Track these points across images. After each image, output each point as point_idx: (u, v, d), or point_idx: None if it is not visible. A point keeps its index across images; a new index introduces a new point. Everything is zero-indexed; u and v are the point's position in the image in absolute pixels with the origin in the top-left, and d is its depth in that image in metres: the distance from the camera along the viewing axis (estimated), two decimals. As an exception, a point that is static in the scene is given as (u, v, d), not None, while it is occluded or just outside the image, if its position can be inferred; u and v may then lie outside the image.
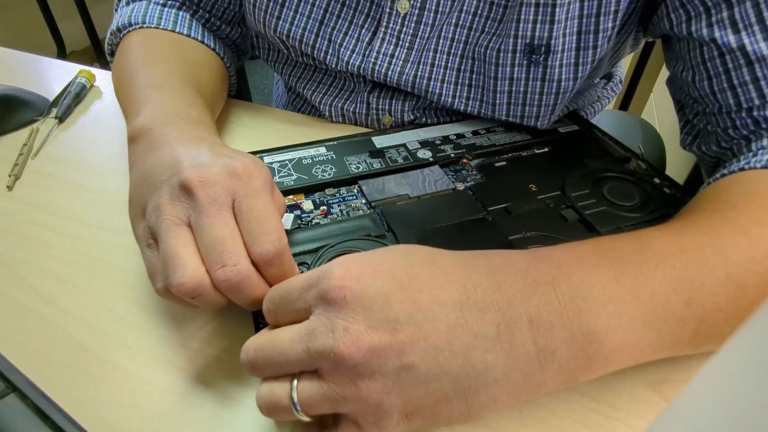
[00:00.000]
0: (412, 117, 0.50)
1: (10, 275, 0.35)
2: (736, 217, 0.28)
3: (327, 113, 0.52)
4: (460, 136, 0.47)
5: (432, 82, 0.46)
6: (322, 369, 0.22)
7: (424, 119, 0.51)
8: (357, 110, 0.51)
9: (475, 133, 0.47)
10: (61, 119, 0.52)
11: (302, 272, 0.33)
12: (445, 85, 0.46)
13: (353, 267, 0.23)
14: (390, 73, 0.46)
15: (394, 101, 0.50)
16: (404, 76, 0.46)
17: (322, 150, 0.45)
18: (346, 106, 0.51)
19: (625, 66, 0.82)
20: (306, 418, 0.23)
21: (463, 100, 0.46)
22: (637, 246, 0.26)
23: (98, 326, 0.32)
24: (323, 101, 0.52)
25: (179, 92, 0.40)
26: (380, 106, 0.50)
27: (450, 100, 0.46)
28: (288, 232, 0.36)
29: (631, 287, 0.24)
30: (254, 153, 0.45)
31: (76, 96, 0.55)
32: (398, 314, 0.22)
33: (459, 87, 0.46)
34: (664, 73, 1.18)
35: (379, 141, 0.46)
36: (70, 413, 0.27)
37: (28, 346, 0.31)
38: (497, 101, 0.45)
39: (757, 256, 0.26)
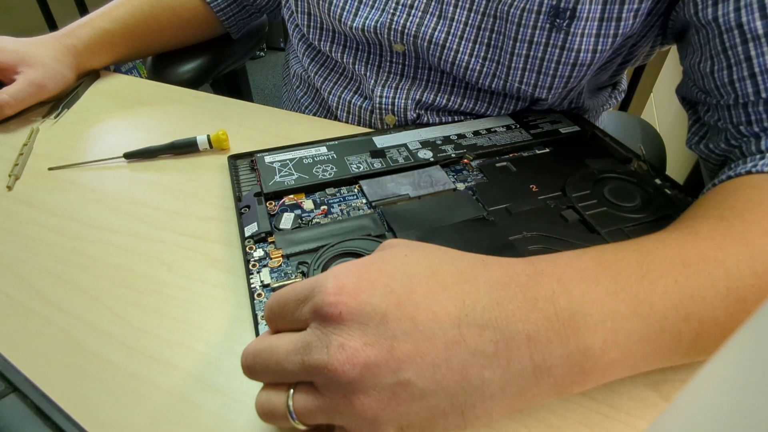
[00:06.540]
0: (414, 116, 0.51)
1: (10, 275, 0.35)
2: (741, 227, 0.28)
3: (334, 105, 0.53)
4: (461, 136, 0.47)
5: (450, 37, 0.46)
6: (317, 383, 0.22)
7: (425, 118, 0.51)
8: (363, 105, 0.52)
9: (476, 133, 0.47)
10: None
11: (302, 272, 0.33)
12: (463, 41, 0.46)
13: (348, 281, 0.22)
14: (409, 24, 0.46)
15: (398, 91, 0.50)
16: (423, 28, 0.46)
17: (323, 150, 0.45)
18: (353, 101, 0.52)
19: (625, 66, 0.81)
20: (302, 427, 0.23)
21: (480, 60, 0.46)
22: (639, 258, 0.26)
23: (98, 326, 0.32)
24: (332, 91, 0.53)
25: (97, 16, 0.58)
26: (384, 100, 0.50)
27: (467, 58, 0.46)
28: (288, 232, 0.37)
29: (631, 302, 0.24)
30: (254, 153, 0.45)
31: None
32: (395, 331, 0.21)
33: (477, 45, 0.46)
34: (664, 74, 1.18)
35: (380, 141, 0.46)
36: (70, 413, 0.27)
37: (28, 346, 0.31)
38: (513, 64, 0.45)
39: (759, 269, 0.26)
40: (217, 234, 0.39)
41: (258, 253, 0.35)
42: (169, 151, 0.47)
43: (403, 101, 0.50)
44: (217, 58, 0.73)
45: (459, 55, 0.46)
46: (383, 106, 0.51)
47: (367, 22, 0.47)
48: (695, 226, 0.29)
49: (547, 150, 0.46)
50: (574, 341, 0.23)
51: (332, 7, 0.48)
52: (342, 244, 0.35)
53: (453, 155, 0.44)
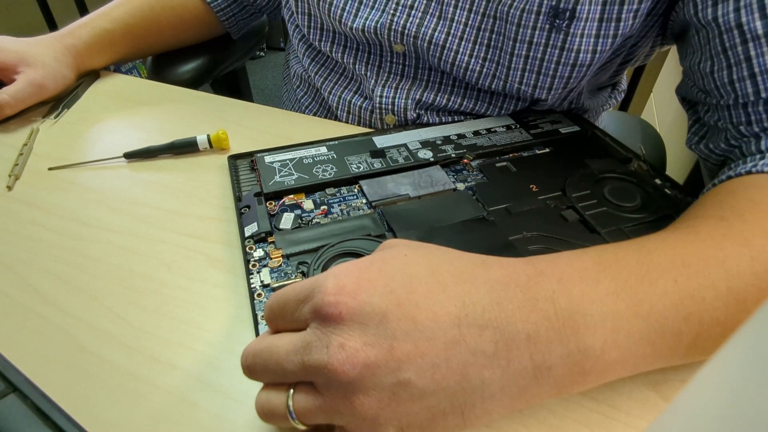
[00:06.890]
0: (414, 116, 0.51)
1: (10, 275, 0.35)
2: (741, 228, 0.28)
3: (334, 105, 0.53)
4: (461, 136, 0.47)
5: (450, 38, 0.46)
6: (317, 383, 0.22)
7: (425, 118, 0.51)
8: (363, 105, 0.52)
9: (476, 133, 0.47)
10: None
11: (302, 272, 0.33)
12: (463, 42, 0.46)
13: (348, 281, 0.22)
14: (409, 25, 0.47)
15: (399, 91, 0.50)
16: (423, 29, 0.46)
17: (323, 150, 0.45)
18: (353, 101, 0.52)
19: (625, 66, 0.81)
20: (302, 427, 0.23)
21: (479, 60, 0.46)
22: (639, 258, 0.26)
23: (98, 326, 0.32)
24: (333, 91, 0.53)
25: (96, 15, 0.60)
26: (384, 100, 0.50)
27: (466, 58, 0.47)
28: (288, 232, 0.37)
29: (631, 302, 0.24)
30: (254, 153, 0.45)
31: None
32: (395, 331, 0.21)
33: (477, 46, 0.46)
34: (664, 74, 1.18)
35: (380, 141, 0.46)
36: (70, 413, 0.27)
37: (28, 346, 0.31)
38: (512, 65, 0.45)
39: (759, 270, 0.26)
40: (217, 234, 0.39)
41: (258, 253, 0.35)
42: (169, 151, 0.47)
43: (403, 101, 0.50)
44: (217, 58, 0.73)
45: (459, 56, 0.46)
46: (383, 106, 0.51)
47: (367, 22, 0.47)
48: (695, 226, 0.29)
49: (547, 150, 0.46)
50: (574, 341, 0.23)
51: (332, 8, 0.48)
52: (342, 244, 0.35)
53: (453, 155, 0.44)
